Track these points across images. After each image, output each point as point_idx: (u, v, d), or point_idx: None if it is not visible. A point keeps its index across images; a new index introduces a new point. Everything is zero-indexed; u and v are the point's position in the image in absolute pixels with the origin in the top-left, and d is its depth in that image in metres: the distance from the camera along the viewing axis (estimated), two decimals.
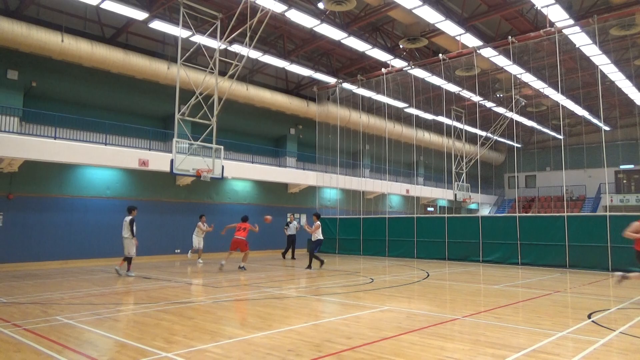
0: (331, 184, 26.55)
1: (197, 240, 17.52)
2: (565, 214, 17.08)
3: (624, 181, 38.02)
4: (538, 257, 16.91)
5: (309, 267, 15.41)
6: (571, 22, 18.29)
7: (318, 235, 15.54)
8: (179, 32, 16.09)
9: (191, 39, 17.92)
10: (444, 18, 17.92)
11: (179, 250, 20.57)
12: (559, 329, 6.74)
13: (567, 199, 33.47)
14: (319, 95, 26.27)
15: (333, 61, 25.33)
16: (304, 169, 26.80)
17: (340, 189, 27.47)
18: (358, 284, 11.99)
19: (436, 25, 18.64)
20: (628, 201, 35.12)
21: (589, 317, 7.68)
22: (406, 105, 28.84)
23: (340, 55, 24.73)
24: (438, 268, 16.25)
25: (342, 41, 20.38)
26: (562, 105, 27.74)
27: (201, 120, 15.94)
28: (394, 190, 32.45)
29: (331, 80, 25.05)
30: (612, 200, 34.31)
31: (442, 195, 35.21)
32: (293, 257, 19.84)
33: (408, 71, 23.14)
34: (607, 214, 16.01)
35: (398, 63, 22.77)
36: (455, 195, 29.83)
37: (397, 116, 31.43)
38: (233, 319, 7.73)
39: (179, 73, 15.71)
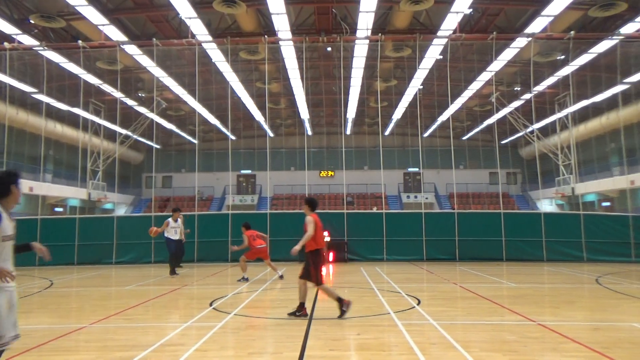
0: None
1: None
2: (196, 212, 18.62)
3: (243, 184, 44.66)
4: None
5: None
6: (210, 38, 20.19)
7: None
8: None
9: None
10: (86, 3, 16.64)
11: None
12: (185, 320, 7.27)
13: (198, 199, 36.54)
14: None
15: None
16: None
17: None
18: None
19: (77, 8, 17.10)
20: (246, 201, 41.38)
21: (211, 304, 8.60)
22: (35, 90, 25.16)
23: None
24: (65, 274, 14.81)
25: None
26: (198, 112, 30.23)
27: None
28: None
29: None
30: (234, 200, 39.74)
31: (74, 194, 32.36)
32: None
33: (39, 52, 20.27)
34: (230, 212, 18.40)
35: (27, 40, 19.63)
36: (90, 194, 27.99)
37: (23, 102, 27.05)
38: None
39: None
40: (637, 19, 18.54)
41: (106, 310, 8.48)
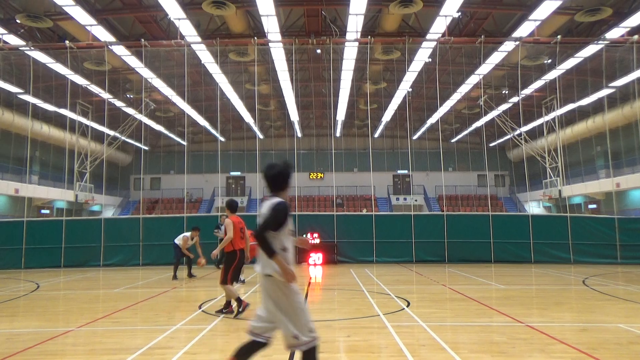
0: None
1: None
2: (184, 214, 18.49)
3: (233, 185, 44.47)
4: (158, 256, 17.61)
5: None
6: (199, 39, 20.10)
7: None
8: None
9: None
10: (73, 3, 16.48)
11: None
12: (174, 322, 7.21)
13: (187, 200, 36.33)
14: None
15: None
16: None
17: None
18: None
19: (64, 8, 16.94)
20: (239, 203, 41.19)
21: (200, 307, 8.55)
22: (21, 90, 24.86)
23: None
24: (51, 277, 14.63)
25: None
26: (187, 113, 30.07)
27: None
28: None
29: None
30: (223, 202, 39.51)
31: (60, 196, 32.00)
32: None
33: (26, 52, 20.03)
34: (219, 214, 18.30)
35: (13, 40, 19.40)
36: (77, 196, 27.69)
37: (8, 102, 26.71)
38: None
39: None
40: (621, 25, 18.84)
41: (94, 313, 8.39)
